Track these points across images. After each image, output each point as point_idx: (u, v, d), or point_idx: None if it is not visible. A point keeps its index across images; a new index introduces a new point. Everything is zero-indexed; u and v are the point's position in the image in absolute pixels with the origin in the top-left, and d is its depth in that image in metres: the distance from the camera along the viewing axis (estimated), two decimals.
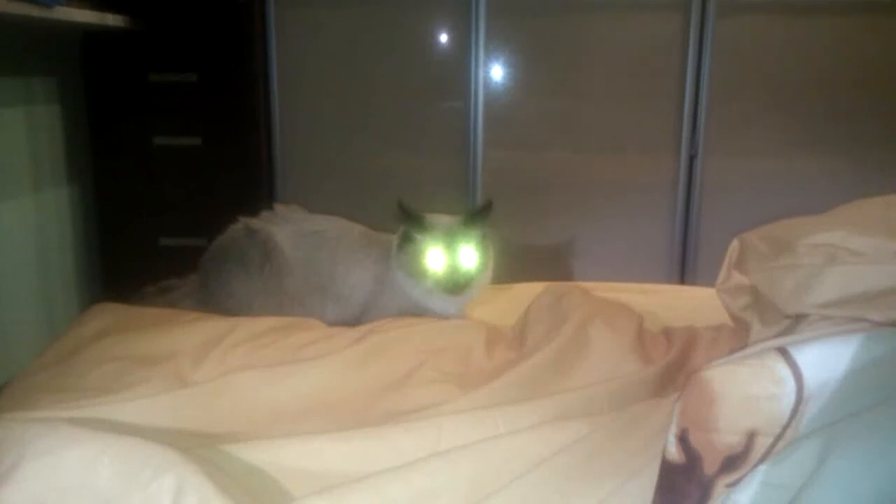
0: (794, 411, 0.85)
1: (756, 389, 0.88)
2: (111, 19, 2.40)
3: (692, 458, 0.88)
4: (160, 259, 2.67)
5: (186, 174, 2.71)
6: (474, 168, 2.81)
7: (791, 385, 0.86)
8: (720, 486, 0.86)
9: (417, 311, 1.74)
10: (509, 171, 2.84)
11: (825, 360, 0.87)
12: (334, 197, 2.66)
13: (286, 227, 1.81)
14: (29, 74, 2.47)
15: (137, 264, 2.53)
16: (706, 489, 0.86)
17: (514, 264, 2.04)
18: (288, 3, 2.76)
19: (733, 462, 0.86)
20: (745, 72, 2.73)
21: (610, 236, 2.85)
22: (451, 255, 1.68)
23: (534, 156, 2.89)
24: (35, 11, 1.95)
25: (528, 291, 1.81)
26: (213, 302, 1.78)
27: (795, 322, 1.20)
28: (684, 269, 2.83)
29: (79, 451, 0.97)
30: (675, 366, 1.39)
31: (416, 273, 1.71)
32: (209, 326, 1.52)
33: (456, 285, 1.69)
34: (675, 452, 0.89)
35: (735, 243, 1.45)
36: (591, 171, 2.86)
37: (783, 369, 0.87)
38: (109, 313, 1.63)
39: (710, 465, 0.87)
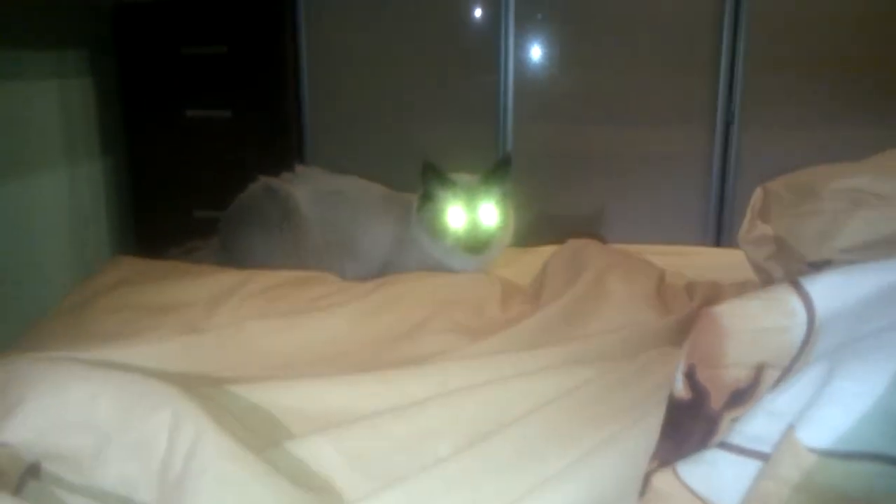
0: (805, 342, 0.82)
1: (767, 322, 0.84)
2: None
3: (699, 394, 0.85)
4: (195, 231, 2.67)
5: (218, 146, 2.72)
6: (504, 139, 2.77)
7: (802, 316, 0.82)
8: (726, 420, 0.82)
9: (438, 270, 1.72)
10: (540, 143, 2.80)
11: (838, 289, 0.83)
12: (364, 169, 2.63)
13: (306, 187, 1.80)
14: (62, 48, 2.50)
15: (172, 237, 2.54)
16: (712, 424, 0.83)
17: (546, 234, 2.01)
18: None
19: (741, 396, 0.83)
20: (782, 38, 2.64)
21: (645, 205, 2.79)
22: (472, 212, 1.66)
23: (566, 127, 2.84)
24: None
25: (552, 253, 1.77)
26: (233, 259, 1.77)
27: (818, 270, 1.16)
28: (720, 238, 2.76)
29: (80, 386, 0.98)
30: (693, 318, 1.35)
31: (437, 232, 1.69)
32: (223, 278, 1.52)
33: (477, 242, 1.67)
34: (682, 389, 0.86)
35: (758, 192, 1.40)
36: (625, 141, 2.80)
37: (795, 301, 0.83)
38: (127, 265, 1.64)
39: (716, 401, 0.84)
